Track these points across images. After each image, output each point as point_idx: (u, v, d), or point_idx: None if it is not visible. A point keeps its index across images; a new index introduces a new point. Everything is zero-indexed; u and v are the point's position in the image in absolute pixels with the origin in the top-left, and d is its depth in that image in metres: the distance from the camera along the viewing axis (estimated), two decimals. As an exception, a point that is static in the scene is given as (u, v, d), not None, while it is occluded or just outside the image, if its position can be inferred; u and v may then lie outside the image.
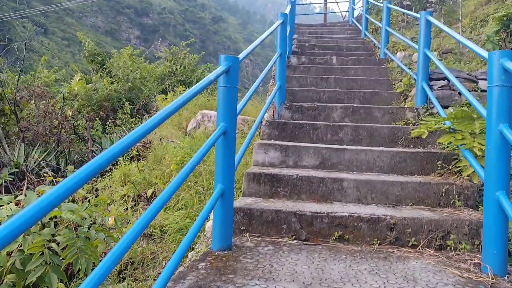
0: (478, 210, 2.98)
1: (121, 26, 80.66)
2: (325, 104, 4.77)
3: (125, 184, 5.38)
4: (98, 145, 7.13)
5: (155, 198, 4.74)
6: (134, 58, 13.85)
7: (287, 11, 5.29)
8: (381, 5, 7.07)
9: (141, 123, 9.04)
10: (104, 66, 13.02)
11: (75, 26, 68.16)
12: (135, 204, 4.82)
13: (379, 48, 7.07)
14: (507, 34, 4.92)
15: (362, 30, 8.78)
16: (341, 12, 14.73)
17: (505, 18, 4.93)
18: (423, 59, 4.55)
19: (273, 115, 4.76)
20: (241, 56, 2.76)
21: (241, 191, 3.42)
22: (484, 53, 2.48)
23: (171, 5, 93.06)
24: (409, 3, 11.05)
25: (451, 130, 3.18)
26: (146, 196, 4.77)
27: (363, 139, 4.04)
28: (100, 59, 13.97)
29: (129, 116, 9.39)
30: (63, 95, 8.94)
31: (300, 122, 4.16)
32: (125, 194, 4.96)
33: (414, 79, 4.79)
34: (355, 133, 4.06)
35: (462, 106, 4.35)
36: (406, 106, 4.71)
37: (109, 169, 5.99)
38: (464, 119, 3.06)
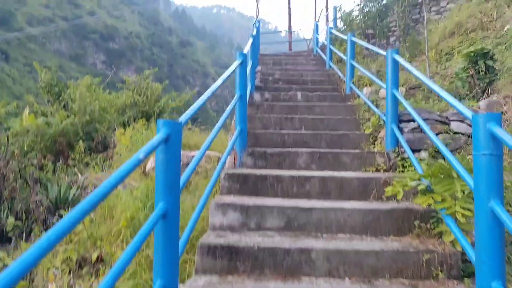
0: (463, 282, 2.62)
1: (86, 51, 79.41)
2: (290, 149, 4.39)
3: (70, 242, 4.77)
4: (45, 191, 6.46)
5: (101, 263, 4.11)
6: (93, 88, 13.26)
7: (246, 49, 4.94)
8: (345, 37, 6.88)
9: (96, 162, 8.39)
10: (60, 98, 12.34)
11: (38, 52, 66.47)
12: (78, 267, 4.23)
13: (344, 81, 6.84)
14: (475, 70, 4.74)
15: (327, 61, 8.58)
16: (306, 40, 14.70)
17: (472, 55, 4.76)
18: (392, 100, 4.27)
19: (234, 163, 4.33)
20: (183, 118, 2.34)
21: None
22: (468, 114, 2.16)
23: (138, 30, 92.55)
24: (372, 31, 11.04)
25: (428, 189, 2.84)
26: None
27: (331, 192, 3.66)
28: (57, 89, 13.30)
29: (82, 155, 8.73)
30: (7, 135, 8.22)
31: (263, 174, 3.74)
32: (68, 257, 4.36)
33: (383, 120, 4.50)
34: (323, 185, 3.67)
35: (436, 151, 4.08)
36: (376, 150, 4.39)
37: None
38: (443, 179, 2.73)
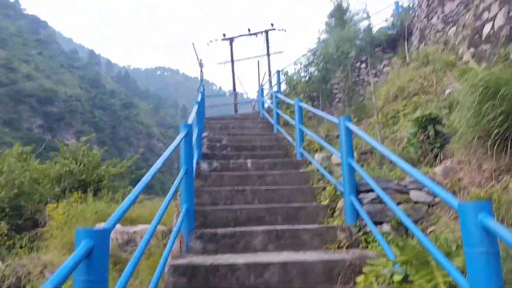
0: None
1: (22, 115, 75.80)
2: (244, 228, 3.95)
3: None
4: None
5: None
6: (23, 157, 12.27)
7: (191, 119, 4.59)
8: (292, 102, 6.80)
9: (23, 244, 7.37)
10: (-16, 171, 11.16)
11: (-34, 117, 62.61)
12: None
13: (294, 146, 6.66)
14: (425, 135, 4.71)
15: (275, 125, 8.46)
16: (251, 101, 14.79)
17: (421, 119, 4.75)
18: (348, 169, 4.04)
19: (180, 248, 3.80)
20: (109, 223, 1.87)
21: None
22: (454, 202, 1.88)
23: (78, 93, 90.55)
24: (316, 94, 11.25)
25: (405, 279, 2.50)
26: None
27: (294, 280, 3.23)
28: (-18, 161, 12.12)
29: (5, 237, 7.69)
30: None
31: (215, 264, 3.24)
32: None
33: (341, 191, 4.24)
34: (284, 273, 3.24)
35: (398, 223, 3.84)
36: (336, 224, 4.07)
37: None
38: (419, 266, 2.42)
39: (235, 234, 3.82)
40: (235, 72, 16.52)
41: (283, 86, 12.09)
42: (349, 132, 4.13)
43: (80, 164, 12.41)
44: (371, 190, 4.08)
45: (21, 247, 7.26)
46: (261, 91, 11.28)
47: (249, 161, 5.81)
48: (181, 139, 3.78)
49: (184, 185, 3.87)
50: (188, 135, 3.96)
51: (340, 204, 4.31)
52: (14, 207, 10.01)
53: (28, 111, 75.81)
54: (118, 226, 6.80)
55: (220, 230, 3.86)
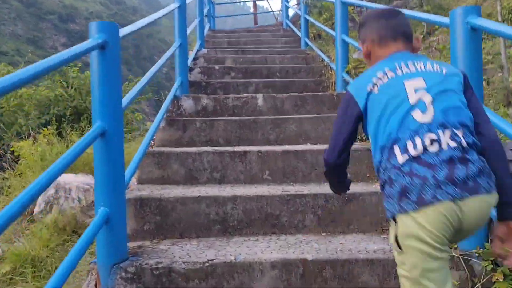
0: None
1: (45, 33, 74.32)
2: (233, 256, 1.86)
3: None
4: None
5: None
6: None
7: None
8: (331, -1, 4.30)
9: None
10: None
11: (-7, 35, 61.73)
12: None
13: (331, 69, 4.31)
14: None
15: (302, 38, 5.99)
16: (273, 12, 12.04)
17: None
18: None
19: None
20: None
21: None
22: None
23: (99, 9, 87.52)
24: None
25: None
26: None
27: None
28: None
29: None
30: None
31: None
32: None
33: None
34: None
35: None
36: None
37: None
38: None
39: (214, 271, 1.75)
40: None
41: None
42: (477, 44, 1.79)
43: (71, 88, 10.42)
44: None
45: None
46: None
47: (260, 96, 3.54)
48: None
49: (100, 163, 1.74)
50: (107, 53, 1.73)
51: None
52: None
53: (51, 28, 73.95)
54: (81, 179, 4.87)
55: (181, 262, 1.78)
